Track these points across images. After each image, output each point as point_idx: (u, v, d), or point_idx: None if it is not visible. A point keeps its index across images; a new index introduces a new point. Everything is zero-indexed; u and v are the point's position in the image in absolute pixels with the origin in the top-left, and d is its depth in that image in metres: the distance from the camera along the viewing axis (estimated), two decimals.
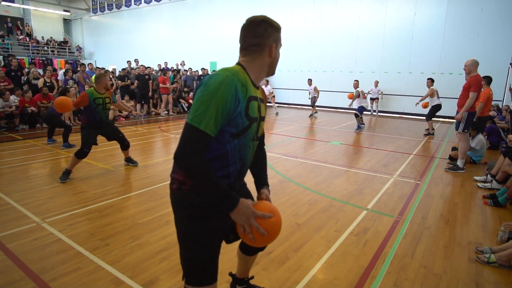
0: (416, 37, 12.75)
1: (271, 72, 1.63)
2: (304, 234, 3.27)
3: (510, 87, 7.92)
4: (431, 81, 9.26)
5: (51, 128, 7.40)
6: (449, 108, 11.67)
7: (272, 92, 13.80)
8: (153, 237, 3.13)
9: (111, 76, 12.24)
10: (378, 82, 13.31)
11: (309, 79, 12.88)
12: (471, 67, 5.16)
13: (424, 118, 12.40)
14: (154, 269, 2.61)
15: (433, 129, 9.35)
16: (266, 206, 1.47)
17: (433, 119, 9.38)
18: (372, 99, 13.48)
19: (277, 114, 13.45)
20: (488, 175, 4.96)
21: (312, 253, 2.91)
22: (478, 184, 4.92)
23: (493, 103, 10.06)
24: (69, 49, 25.43)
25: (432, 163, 6.12)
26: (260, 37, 1.52)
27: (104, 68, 12.22)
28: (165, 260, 2.73)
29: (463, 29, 11.83)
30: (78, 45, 26.44)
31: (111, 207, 3.83)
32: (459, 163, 5.55)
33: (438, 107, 9.05)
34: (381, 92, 13.47)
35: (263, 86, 13.92)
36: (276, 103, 16.80)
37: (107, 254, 2.81)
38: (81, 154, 4.79)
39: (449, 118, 12.05)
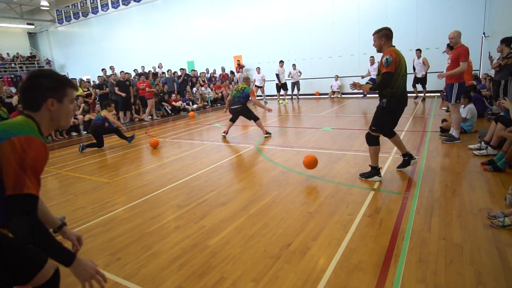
0: (390, 15, 12.88)
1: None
2: (318, 221, 3.22)
3: (489, 55, 8.10)
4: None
5: (99, 140, 7.57)
6: (430, 82, 11.91)
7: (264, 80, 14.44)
8: (166, 244, 3.02)
9: (88, 86, 11.83)
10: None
11: (293, 64, 13.66)
12: (457, 38, 5.23)
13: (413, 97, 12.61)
14: (175, 277, 2.50)
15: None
16: None
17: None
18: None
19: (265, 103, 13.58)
20: (482, 142, 5.06)
21: (331, 239, 2.87)
22: (474, 152, 5.00)
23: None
24: (38, 63, 24.46)
25: (425, 137, 6.20)
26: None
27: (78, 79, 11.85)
28: (183, 267, 2.62)
29: (435, 3, 12.02)
30: (47, 59, 25.47)
31: (114, 220, 3.67)
32: (455, 133, 5.65)
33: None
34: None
35: (256, 73, 14.12)
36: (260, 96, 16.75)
37: (121, 268, 2.69)
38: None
39: (432, 92, 12.26)
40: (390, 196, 3.68)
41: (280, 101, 14.11)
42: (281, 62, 13.63)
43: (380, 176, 4.21)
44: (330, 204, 3.58)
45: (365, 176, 4.29)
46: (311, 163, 4.57)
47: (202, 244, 2.96)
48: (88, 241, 3.22)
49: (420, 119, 8.11)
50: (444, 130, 6.24)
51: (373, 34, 3.98)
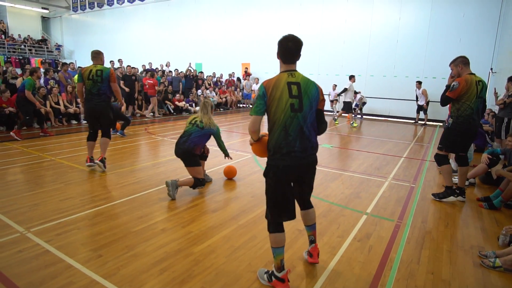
0: (401, 41, 12.98)
1: None
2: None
3: (494, 91, 8.13)
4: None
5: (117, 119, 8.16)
6: (433, 111, 11.96)
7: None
8: (149, 246, 2.95)
9: None
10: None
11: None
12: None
13: (413, 121, 12.75)
14: (154, 282, 2.43)
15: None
16: None
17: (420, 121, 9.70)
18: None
19: None
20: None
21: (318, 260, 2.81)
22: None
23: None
24: (47, 48, 24.54)
25: (423, 166, 6.17)
26: None
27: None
28: (164, 272, 2.56)
29: (446, 34, 12.13)
30: (56, 43, 25.57)
31: (101, 215, 3.61)
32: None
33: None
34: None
35: (254, 84, 14.59)
36: None
37: (101, 266, 2.62)
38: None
39: (434, 122, 12.30)
40: (382, 223, 3.63)
41: (355, 124, 11.34)
42: (352, 77, 10.93)
43: (456, 196, 4.28)
44: (321, 224, 3.53)
45: (439, 196, 4.35)
46: (230, 173, 5.01)
47: (186, 250, 2.90)
48: (71, 234, 3.15)
49: (420, 147, 8.09)
50: None
51: (450, 64, 4.21)
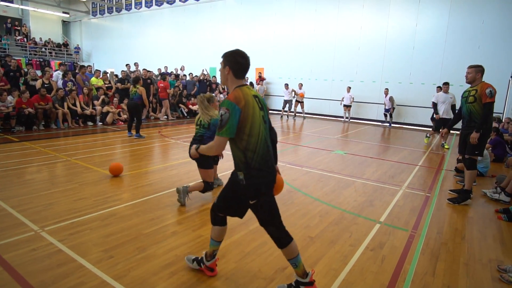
0: (417, 47, 12.78)
1: None
2: (318, 248, 3.12)
3: None
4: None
5: (131, 121, 8.52)
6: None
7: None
8: (160, 249, 2.96)
9: (110, 79, 12.08)
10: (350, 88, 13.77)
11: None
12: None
13: (430, 129, 12.53)
14: (163, 285, 2.43)
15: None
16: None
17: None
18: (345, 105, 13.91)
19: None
20: (498, 188, 4.87)
21: (329, 269, 2.76)
22: (485, 191, 4.89)
23: (494, 114, 10.10)
24: (67, 51, 25.20)
25: (439, 175, 6.01)
26: None
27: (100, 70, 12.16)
28: (174, 275, 2.56)
29: (464, 41, 11.88)
30: (78, 44, 26.24)
31: (113, 216, 3.64)
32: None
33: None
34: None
35: (298, 89, 14.37)
36: (275, 110, 16.74)
37: (112, 267, 2.64)
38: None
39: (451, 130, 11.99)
40: (396, 232, 3.54)
41: (446, 145, 8.94)
42: (446, 84, 8.38)
43: (471, 199, 4.52)
44: (332, 232, 3.47)
45: (458, 201, 4.49)
46: (115, 169, 5.08)
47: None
48: (84, 234, 3.19)
49: (436, 155, 7.91)
50: (459, 171, 6.04)
51: (470, 68, 4.38)
